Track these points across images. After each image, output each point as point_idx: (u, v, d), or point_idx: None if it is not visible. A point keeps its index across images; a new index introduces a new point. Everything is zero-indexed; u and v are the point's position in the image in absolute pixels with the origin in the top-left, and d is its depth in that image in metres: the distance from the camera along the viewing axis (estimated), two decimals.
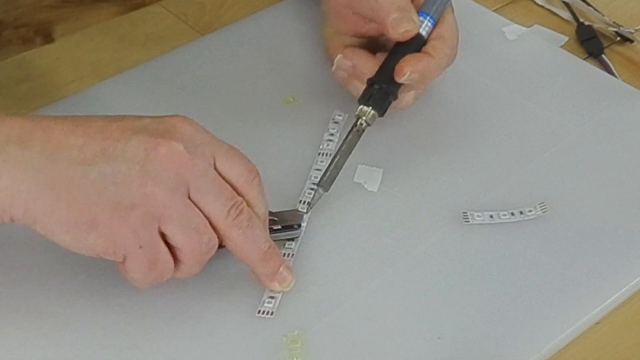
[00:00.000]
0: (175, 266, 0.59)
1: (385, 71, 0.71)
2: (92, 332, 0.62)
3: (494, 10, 0.88)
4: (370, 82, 0.71)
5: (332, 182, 0.68)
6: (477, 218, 0.69)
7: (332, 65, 0.75)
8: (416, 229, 0.68)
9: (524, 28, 0.86)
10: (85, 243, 0.57)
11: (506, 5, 0.90)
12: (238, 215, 0.59)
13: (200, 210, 0.58)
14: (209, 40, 0.84)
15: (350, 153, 0.69)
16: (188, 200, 0.58)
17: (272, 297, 0.63)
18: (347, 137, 0.70)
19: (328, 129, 0.75)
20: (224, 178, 0.59)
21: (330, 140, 0.74)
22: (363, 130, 0.70)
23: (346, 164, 0.71)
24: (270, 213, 0.64)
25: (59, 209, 0.56)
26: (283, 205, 0.69)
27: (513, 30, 0.85)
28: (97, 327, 0.62)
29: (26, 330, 0.61)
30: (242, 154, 0.61)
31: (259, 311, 0.63)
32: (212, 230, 0.59)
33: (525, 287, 0.65)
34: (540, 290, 0.65)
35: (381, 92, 0.70)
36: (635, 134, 0.76)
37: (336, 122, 0.75)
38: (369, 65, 0.72)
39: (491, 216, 0.69)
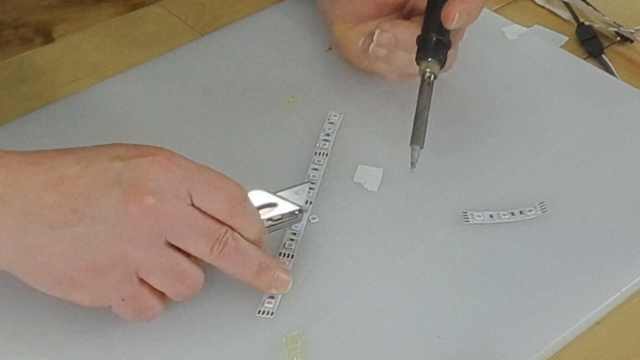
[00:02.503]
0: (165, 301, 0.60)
1: (432, 22, 0.71)
2: (92, 331, 0.62)
3: (494, 10, 0.88)
4: (423, 38, 0.71)
5: (424, 136, 0.68)
6: (477, 218, 0.69)
7: (352, 56, 0.76)
8: (416, 229, 0.68)
9: (524, 28, 0.86)
10: (71, 298, 0.58)
11: (506, 5, 0.90)
12: (222, 249, 0.59)
13: (184, 252, 0.59)
14: (209, 40, 0.84)
15: (429, 106, 0.69)
16: (166, 249, 0.58)
17: (272, 297, 0.63)
18: (421, 94, 0.70)
19: (324, 129, 0.75)
20: (204, 213, 0.59)
21: (326, 140, 0.74)
22: (433, 83, 0.70)
23: (346, 163, 0.71)
24: (273, 197, 0.64)
25: (38, 272, 0.57)
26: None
27: (513, 30, 0.85)
28: (96, 327, 0.62)
29: (22, 324, 0.62)
30: (221, 179, 0.60)
31: (259, 311, 0.63)
32: (196, 270, 0.59)
33: (525, 287, 0.65)
34: (540, 290, 0.65)
35: (437, 42, 0.70)
36: (635, 134, 0.76)
37: (332, 123, 0.76)
38: (409, 30, 0.72)
39: (491, 216, 0.69)
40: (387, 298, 0.64)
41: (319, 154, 0.73)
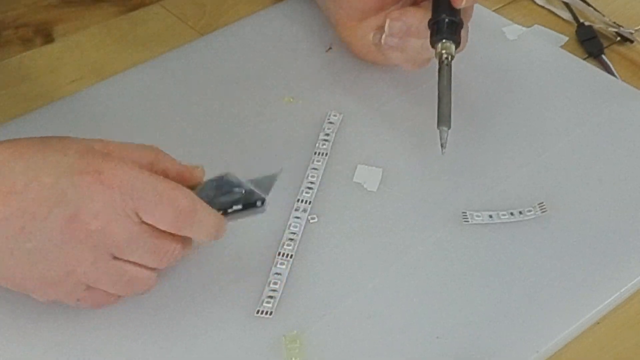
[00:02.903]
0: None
1: (442, 4, 0.72)
2: (91, 332, 0.62)
3: (494, 10, 0.88)
4: (435, 20, 0.71)
5: (450, 116, 0.69)
6: (477, 218, 0.69)
7: (364, 50, 0.77)
8: (415, 229, 0.68)
9: (524, 28, 0.86)
10: (35, 297, 0.60)
11: (506, 5, 0.90)
12: (173, 258, 0.60)
13: (133, 262, 0.60)
14: (209, 40, 0.84)
15: (450, 87, 0.70)
16: (113, 262, 0.59)
17: (271, 297, 0.63)
18: (440, 76, 0.70)
19: (324, 129, 0.75)
20: (154, 228, 0.59)
21: (325, 140, 0.74)
22: (450, 63, 0.71)
23: (345, 163, 0.71)
24: (239, 185, 0.62)
25: (10, 284, 0.60)
26: (282, 205, 0.69)
27: (513, 30, 0.85)
28: (96, 327, 0.62)
29: (24, 322, 0.62)
30: (168, 191, 0.59)
31: (258, 311, 0.63)
32: (145, 273, 0.60)
33: (524, 286, 0.65)
34: (540, 290, 0.65)
35: (450, 22, 0.71)
36: (635, 134, 0.76)
37: (331, 123, 0.76)
38: (419, 16, 0.73)
39: (490, 216, 0.69)
40: (386, 298, 0.64)
41: (319, 153, 0.73)
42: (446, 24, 0.71)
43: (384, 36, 0.74)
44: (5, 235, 0.57)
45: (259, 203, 0.62)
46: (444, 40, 0.71)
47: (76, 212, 0.57)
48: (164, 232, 0.59)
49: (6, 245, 0.57)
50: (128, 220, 0.58)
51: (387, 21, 0.73)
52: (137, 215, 0.58)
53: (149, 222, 0.58)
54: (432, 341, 0.62)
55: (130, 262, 0.59)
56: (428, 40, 0.72)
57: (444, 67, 0.71)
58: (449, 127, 0.69)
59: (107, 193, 0.58)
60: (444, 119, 0.69)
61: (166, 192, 0.59)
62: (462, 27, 0.72)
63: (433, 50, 0.72)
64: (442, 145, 0.69)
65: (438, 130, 0.69)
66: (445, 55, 0.71)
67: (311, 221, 0.68)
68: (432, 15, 0.72)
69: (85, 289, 0.59)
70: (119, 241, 0.58)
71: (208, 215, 0.60)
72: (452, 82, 0.71)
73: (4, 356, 0.61)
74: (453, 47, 0.71)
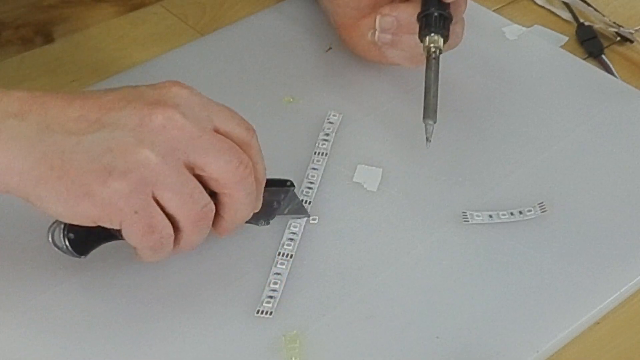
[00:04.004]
0: (175, 236, 0.59)
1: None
2: (91, 331, 0.62)
3: (494, 10, 0.88)
4: (423, 14, 0.72)
5: (436, 111, 0.70)
6: (477, 218, 0.69)
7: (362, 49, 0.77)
8: (415, 229, 0.68)
9: (524, 28, 0.86)
10: (79, 212, 0.57)
11: (506, 5, 0.90)
12: (246, 174, 0.59)
13: (205, 172, 0.58)
14: (209, 40, 0.84)
15: (438, 81, 0.70)
16: (183, 166, 0.57)
17: (271, 297, 0.63)
18: (428, 69, 0.71)
19: (323, 129, 0.75)
20: (226, 135, 0.59)
21: (325, 140, 0.74)
22: (438, 57, 0.71)
23: (345, 163, 0.71)
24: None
25: (51, 179, 0.56)
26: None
27: (513, 30, 0.85)
28: (96, 327, 0.62)
29: (24, 328, 0.62)
30: (239, 114, 0.61)
31: (258, 311, 0.63)
32: (208, 197, 0.59)
33: (524, 287, 0.65)
34: (540, 290, 0.65)
35: (438, 17, 0.71)
36: (635, 134, 0.76)
37: (331, 122, 0.76)
38: (409, 11, 0.73)
39: (490, 216, 0.69)
40: (385, 298, 0.64)
41: (319, 153, 0.73)
42: (434, 17, 0.71)
43: (377, 32, 0.74)
44: (76, 129, 0.56)
45: (288, 183, 0.66)
46: (432, 34, 0.71)
47: (158, 102, 0.57)
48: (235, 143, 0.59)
49: (74, 139, 0.56)
50: (203, 123, 0.58)
51: (378, 17, 0.74)
52: (213, 121, 0.58)
53: (222, 131, 0.59)
54: (432, 341, 0.62)
55: (204, 171, 0.58)
56: None
57: (432, 61, 0.71)
58: (435, 121, 0.69)
59: (187, 93, 0.59)
60: (429, 112, 0.69)
61: (234, 111, 0.61)
62: (451, 21, 0.72)
63: None
64: (427, 139, 0.70)
65: (424, 124, 0.70)
66: (433, 49, 0.71)
67: (311, 221, 0.68)
68: (421, 9, 0.72)
69: (146, 197, 0.56)
70: (196, 138, 0.57)
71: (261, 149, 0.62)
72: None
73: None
74: (441, 40, 0.71)
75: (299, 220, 0.68)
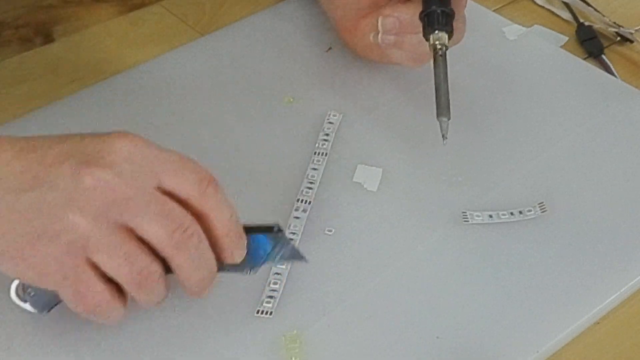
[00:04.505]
0: (121, 297, 0.57)
1: None
2: (91, 330, 0.62)
3: (494, 10, 0.88)
4: (426, 12, 0.71)
5: (449, 107, 0.69)
6: (477, 218, 0.69)
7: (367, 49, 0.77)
8: (415, 229, 0.68)
9: (524, 28, 0.86)
10: (19, 273, 0.56)
11: (506, 5, 0.90)
12: (185, 240, 0.55)
13: (140, 235, 0.55)
14: (209, 40, 0.84)
15: (447, 77, 0.70)
16: (117, 227, 0.54)
17: (271, 297, 0.63)
18: (436, 67, 0.71)
19: (323, 129, 0.75)
20: (172, 196, 0.55)
21: (325, 140, 0.74)
22: (445, 54, 0.71)
23: (345, 163, 0.72)
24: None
25: None
26: (282, 205, 0.69)
27: (513, 30, 0.85)
28: (95, 327, 0.62)
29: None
30: (193, 163, 0.57)
31: (258, 311, 0.63)
32: (149, 255, 0.55)
33: (524, 287, 0.65)
34: (540, 290, 0.65)
35: (441, 13, 0.71)
36: (635, 134, 0.76)
37: (331, 123, 0.76)
38: (411, 10, 0.73)
39: (490, 216, 0.69)
40: (386, 298, 0.64)
41: (319, 153, 0.73)
42: (437, 15, 0.71)
43: (380, 35, 0.74)
44: (15, 187, 0.54)
45: (275, 228, 0.60)
46: (436, 32, 0.71)
47: (92, 161, 0.54)
48: (182, 203, 0.56)
49: (10, 198, 0.54)
50: (146, 181, 0.55)
51: (380, 19, 0.74)
52: (158, 179, 0.55)
53: (170, 186, 0.55)
54: (432, 341, 0.62)
55: (141, 235, 0.55)
56: None
57: (439, 58, 0.71)
58: (449, 118, 0.69)
59: (130, 149, 0.55)
60: (443, 110, 0.69)
61: (191, 161, 0.57)
62: (453, 17, 0.72)
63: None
64: (443, 136, 0.69)
65: (438, 122, 0.69)
66: (439, 46, 0.71)
67: (311, 221, 0.68)
68: (423, 7, 0.72)
69: (77, 261, 0.54)
70: (129, 199, 0.54)
71: (228, 200, 0.57)
72: (452, 81, 0.71)
73: None
74: (446, 37, 0.71)
75: (298, 220, 0.68)
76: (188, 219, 0.56)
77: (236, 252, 0.58)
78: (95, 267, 0.55)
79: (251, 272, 0.60)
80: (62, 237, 0.54)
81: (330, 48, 0.82)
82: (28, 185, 0.54)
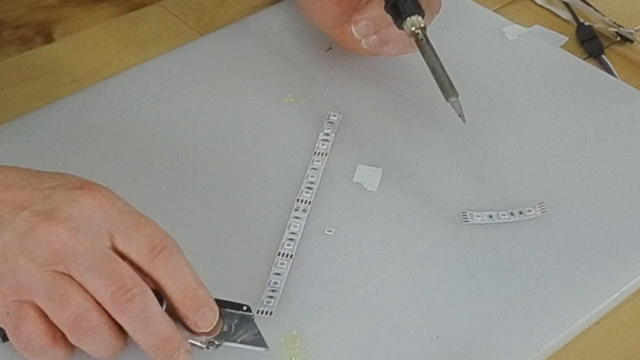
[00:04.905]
0: (66, 343, 0.57)
1: None
2: None
3: (494, 10, 0.88)
4: (389, 4, 0.71)
5: (453, 85, 0.69)
6: (477, 218, 0.69)
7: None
8: (415, 229, 0.68)
9: (524, 28, 0.86)
10: None
11: (506, 5, 0.90)
12: (125, 301, 0.55)
13: (85, 289, 0.55)
14: (209, 40, 0.84)
15: (439, 59, 0.69)
16: (60, 275, 0.55)
17: (271, 297, 0.63)
18: (423, 53, 0.70)
19: (323, 129, 0.75)
20: (124, 257, 0.56)
21: (325, 140, 0.74)
22: (426, 35, 0.70)
23: (345, 163, 0.72)
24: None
25: None
26: (282, 205, 0.69)
27: (513, 30, 0.85)
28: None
29: None
30: (149, 229, 0.57)
31: (258, 311, 0.63)
32: (90, 304, 0.55)
33: (524, 287, 0.65)
34: (540, 290, 0.65)
35: (403, 0, 0.70)
36: (635, 134, 0.76)
37: (331, 122, 0.76)
38: (377, 7, 0.72)
39: (490, 216, 0.69)
40: (385, 298, 0.64)
41: (319, 153, 0.73)
42: (401, 2, 0.70)
43: (362, 41, 0.74)
44: None
45: (245, 307, 0.61)
46: (407, 19, 0.70)
47: (52, 211, 0.56)
48: (133, 266, 0.56)
49: None
50: (98, 238, 0.56)
51: (352, 29, 0.73)
52: (111, 240, 0.56)
53: (122, 249, 0.56)
54: (432, 341, 0.62)
55: (86, 289, 0.55)
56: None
57: (422, 43, 0.70)
58: (458, 95, 0.68)
59: (92, 206, 0.56)
60: (448, 90, 0.69)
61: (150, 226, 0.57)
62: None
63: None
64: (460, 116, 0.69)
65: (450, 104, 0.69)
66: (416, 32, 0.70)
67: (311, 221, 0.68)
68: (385, 0, 0.71)
69: (21, 299, 0.56)
70: (78, 254, 0.55)
71: (187, 266, 0.58)
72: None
73: None
74: (419, 19, 0.70)
75: (298, 220, 0.68)
76: (134, 280, 0.56)
77: (199, 321, 0.58)
78: (40, 311, 0.56)
79: (211, 347, 0.59)
80: (9, 278, 0.56)
81: (330, 48, 0.82)
82: None
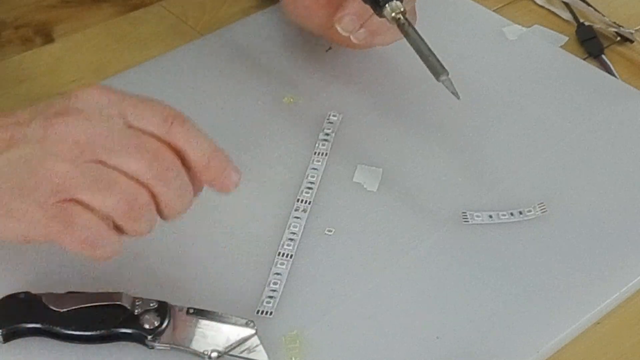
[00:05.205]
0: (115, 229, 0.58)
1: None
2: None
3: (494, 10, 0.88)
4: None
5: (441, 64, 0.68)
6: (477, 218, 0.69)
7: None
8: (415, 229, 0.68)
9: (524, 28, 0.86)
10: (8, 231, 0.57)
11: (506, 5, 0.90)
12: (165, 169, 0.56)
13: (120, 170, 0.56)
14: (209, 40, 0.84)
15: (423, 40, 0.69)
16: (93, 164, 0.56)
17: (271, 297, 0.63)
18: (407, 37, 0.70)
19: (323, 129, 0.75)
20: (142, 131, 0.57)
21: (325, 140, 0.74)
22: (407, 19, 0.70)
23: (345, 163, 0.72)
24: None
25: None
26: (282, 205, 0.69)
27: (513, 30, 0.85)
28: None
29: None
30: (156, 103, 0.58)
31: (258, 311, 0.63)
32: (134, 185, 0.56)
33: (524, 287, 0.65)
34: (540, 290, 0.65)
35: None
36: (635, 134, 0.76)
37: (331, 122, 0.76)
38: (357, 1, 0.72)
39: (490, 216, 0.69)
40: (386, 298, 0.64)
41: (319, 153, 0.73)
42: None
43: (351, 37, 0.74)
44: None
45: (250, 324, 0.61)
46: (385, 7, 0.70)
47: (61, 110, 0.57)
48: (152, 137, 0.57)
49: None
50: (113, 121, 0.56)
51: (337, 27, 0.73)
52: (125, 119, 0.57)
53: (138, 127, 0.57)
54: (432, 341, 0.62)
55: (119, 170, 0.56)
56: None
57: (404, 27, 0.70)
58: (448, 73, 0.68)
59: (95, 95, 0.57)
60: (437, 69, 0.68)
61: (150, 101, 0.58)
62: None
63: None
64: (454, 94, 0.68)
65: (441, 83, 0.69)
66: (397, 17, 0.70)
67: (311, 221, 0.68)
68: None
69: (63, 201, 0.55)
70: (102, 138, 0.56)
71: (199, 131, 0.58)
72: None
73: None
74: (398, 3, 0.70)
75: (298, 220, 0.68)
76: (163, 149, 0.57)
77: (226, 180, 0.59)
78: (84, 203, 0.56)
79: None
80: (43, 186, 0.56)
81: (330, 48, 0.82)
82: (5, 146, 0.56)
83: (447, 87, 0.69)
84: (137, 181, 0.56)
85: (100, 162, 0.56)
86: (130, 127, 0.57)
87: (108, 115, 0.57)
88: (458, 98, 0.69)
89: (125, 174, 0.56)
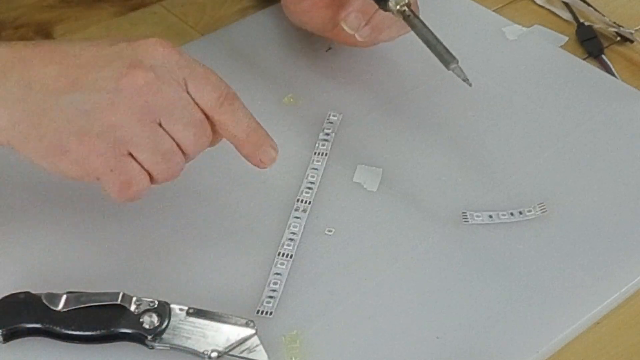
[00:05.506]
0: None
1: None
2: None
3: (494, 10, 0.88)
4: None
5: (450, 52, 0.69)
6: (477, 218, 0.69)
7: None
8: (415, 229, 0.68)
9: (524, 28, 0.86)
10: (60, 168, 0.59)
11: (506, 5, 0.90)
12: (200, 146, 0.61)
13: (171, 136, 0.60)
14: (209, 40, 0.84)
15: (431, 30, 0.70)
16: (156, 127, 0.59)
17: (271, 297, 0.63)
18: (414, 28, 0.70)
19: (323, 129, 0.75)
20: (195, 102, 0.60)
21: (325, 140, 0.74)
22: (412, 11, 0.70)
23: (345, 163, 0.72)
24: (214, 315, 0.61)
25: (33, 137, 0.58)
26: (282, 205, 0.69)
27: (513, 30, 0.85)
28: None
29: None
30: (216, 76, 0.62)
31: (258, 311, 0.63)
32: (181, 155, 0.61)
33: (524, 287, 0.65)
34: (540, 290, 0.65)
35: None
36: (635, 134, 0.76)
37: (331, 122, 0.76)
38: None
39: (490, 216, 0.69)
40: (386, 298, 0.64)
41: (319, 153, 0.73)
42: None
43: (355, 35, 0.74)
44: (55, 89, 0.58)
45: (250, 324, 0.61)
46: (388, 1, 0.70)
47: (133, 64, 0.59)
48: (200, 109, 0.61)
49: (53, 99, 0.58)
50: (178, 85, 0.60)
51: (343, 25, 0.74)
52: (185, 84, 0.60)
53: (193, 94, 0.60)
54: (432, 341, 0.62)
55: (172, 136, 0.60)
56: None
57: (410, 19, 0.70)
58: (458, 61, 0.69)
59: (165, 53, 0.60)
60: (447, 57, 0.69)
61: (211, 73, 0.61)
62: None
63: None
64: (465, 81, 0.69)
65: (451, 71, 0.69)
66: (402, 9, 0.70)
67: (311, 222, 0.68)
68: None
69: (121, 156, 0.59)
70: (167, 103, 0.59)
71: (246, 111, 0.63)
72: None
73: None
74: None
75: (298, 220, 0.68)
76: (206, 124, 0.61)
77: (263, 156, 0.63)
78: (136, 159, 0.60)
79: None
80: (107, 134, 0.58)
81: (330, 48, 0.82)
82: (68, 87, 0.58)
83: (457, 75, 0.69)
84: (183, 152, 0.61)
85: (160, 124, 0.59)
86: (187, 92, 0.60)
87: (176, 80, 0.60)
88: (470, 85, 0.69)
89: (177, 141, 0.60)
